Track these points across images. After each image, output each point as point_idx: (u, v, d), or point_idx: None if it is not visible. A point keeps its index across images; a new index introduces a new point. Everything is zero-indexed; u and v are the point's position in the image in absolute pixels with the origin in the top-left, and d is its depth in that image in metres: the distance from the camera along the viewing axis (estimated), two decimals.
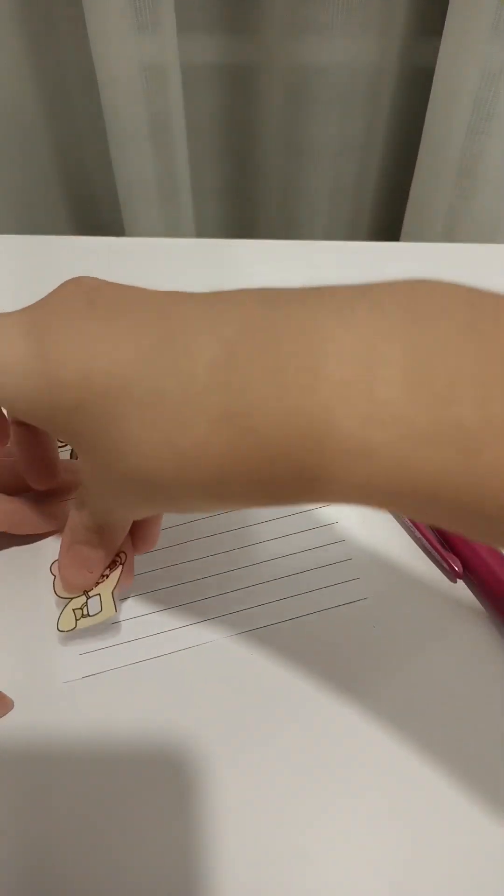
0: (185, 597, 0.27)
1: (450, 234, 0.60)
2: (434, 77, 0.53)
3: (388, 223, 0.73)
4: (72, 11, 0.56)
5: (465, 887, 0.21)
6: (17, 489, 0.27)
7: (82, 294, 0.20)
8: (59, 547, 0.28)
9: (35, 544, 0.29)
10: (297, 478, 0.16)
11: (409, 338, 0.15)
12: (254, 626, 0.26)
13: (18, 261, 0.39)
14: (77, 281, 0.21)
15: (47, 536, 0.29)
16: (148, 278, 0.38)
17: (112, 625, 0.26)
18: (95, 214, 0.77)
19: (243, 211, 0.74)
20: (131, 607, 0.27)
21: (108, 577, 0.26)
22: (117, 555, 0.26)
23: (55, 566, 0.26)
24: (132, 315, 0.18)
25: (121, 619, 0.27)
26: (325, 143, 0.64)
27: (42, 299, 0.21)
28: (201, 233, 0.73)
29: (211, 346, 0.17)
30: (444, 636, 0.26)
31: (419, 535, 0.28)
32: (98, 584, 0.26)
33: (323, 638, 0.26)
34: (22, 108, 0.65)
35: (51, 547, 0.29)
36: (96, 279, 0.21)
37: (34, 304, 0.21)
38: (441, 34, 0.50)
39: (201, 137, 0.66)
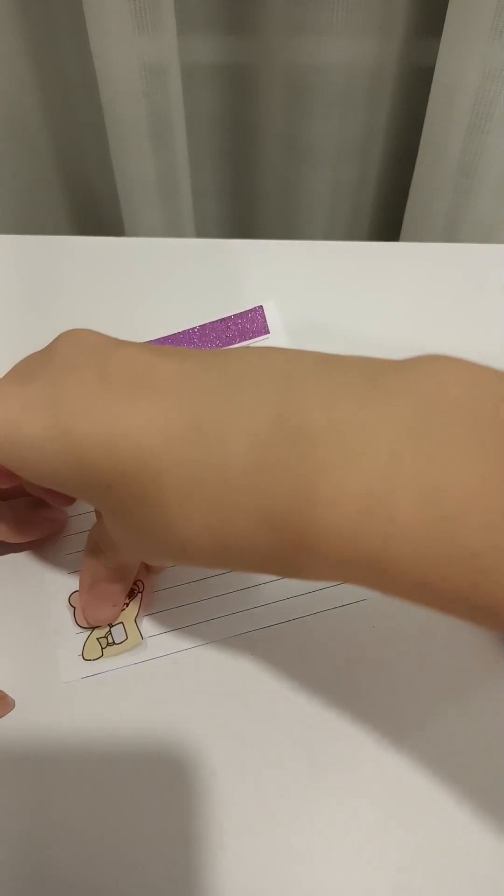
0: (185, 598, 0.27)
1: (449, 234, 0.60)
2: (434, 77, 0.53)
3: (387, 223, 0.73)
4: (72, 12, 0.56)
5: (466, 889, 0.21)
6: (11, 493, 0.27)
7: (91, 360, 0.20)
8: (56, 550, 0.29)
9: (35, 543, 0.29)
10: (319, 571, 0.18)
11: (423, 450, 0.16)
12: (254, 626, 0.26)
13: (18, 261, 0.39)
14: (76, 339, 0.21)
15: (47, 539, 0.29)
16: (148, 278, 0.38)
17: (137, 651, 0.26)
18: (95, 214, 0.77)
19: (243, 211, 0.74)
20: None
21: (128, 605, 0.26)
22: (135, 583, 0.26)
23: (74, 598, 0.27)
24: (153, 394, 0.19)
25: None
26: (324, 143, 0.64)
27: (45, 360, 0.21)
28: (201, 232, 0.73)
29: (241, 443, 0.17)
30: (443, 636, 0.26)
31: None
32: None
33: (323, 638, 0.26)
34: (22, 109, 0.65)
35: (51, 546, 0.29)
36: (95, 335, 0.21)
37: (41, 368, 0.20)
38: (441, 34, 0.50)
39: (201, 137, 0.66)
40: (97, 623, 0.26)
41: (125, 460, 0.18)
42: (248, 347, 0.20)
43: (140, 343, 0.21)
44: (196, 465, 0.17)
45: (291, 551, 0.17)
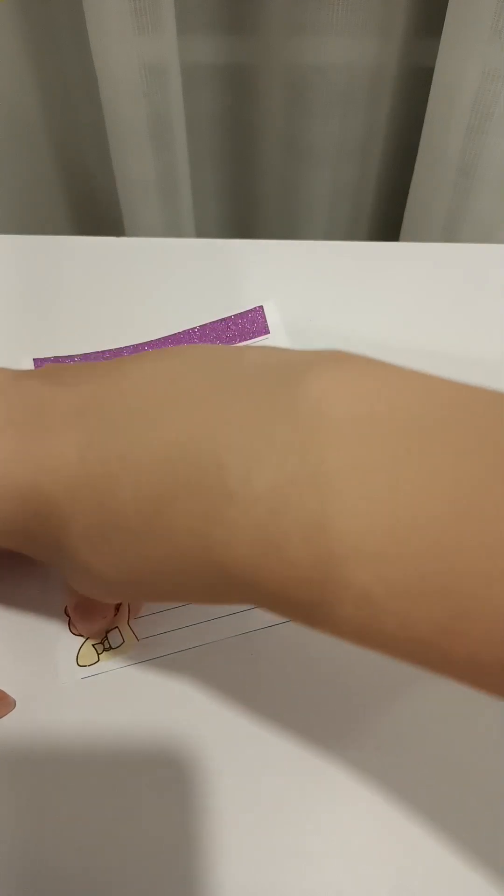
0: None
1: (449, 234, 0.60)
2: (434, 77, 0.53)
3: (387, 223, 0.73)
4: (72, 12, 0.56)
5: (467, 890, 0.21)
6: None
7: None
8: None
9: None
10: (254, 604, 0.17)
11: (308, 482, 0.14)
12: (255, 626, 0.26)
13: (18, 261, 0.39)
14: None
15: None
16: (148, 278, 0.38)
17: (135, 652, 0.26)
18: (96, 214, 0.77)
19: (243, 211, 0.74)
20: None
21: (119, 609, 0.26)
22: None
23: (69, 608, 0.27)
24: (48, 433, 0.18)
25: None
26: (324, 143, 0.64)
27: None
28: (201, 233, 0.73)
29: (132, 484, 0.16)
30: None
31: None
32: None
33: (323, 638, 0.26)
34: (23, 109, 0.65)
35: None
36: None
37: None
38: (441, 34, 0.50)
39: (201, 137, 0.66)
40: (91, 636, 0.26)
41: (29, 510, 0.17)
42: (147, 359, 0.19)
43: (41, 371, 0.20)
44: (96, 511, 0.17)
45: (218, 589, 0.16)
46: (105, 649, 0.26)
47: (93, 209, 0.76)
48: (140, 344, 0.34)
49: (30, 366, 0.33)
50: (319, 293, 0.37)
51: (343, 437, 0.15)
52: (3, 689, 0.25)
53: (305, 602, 0.15)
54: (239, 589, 0.16)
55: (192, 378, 0.17)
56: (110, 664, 0.26)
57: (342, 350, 0.17)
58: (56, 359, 0.34)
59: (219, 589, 0.16)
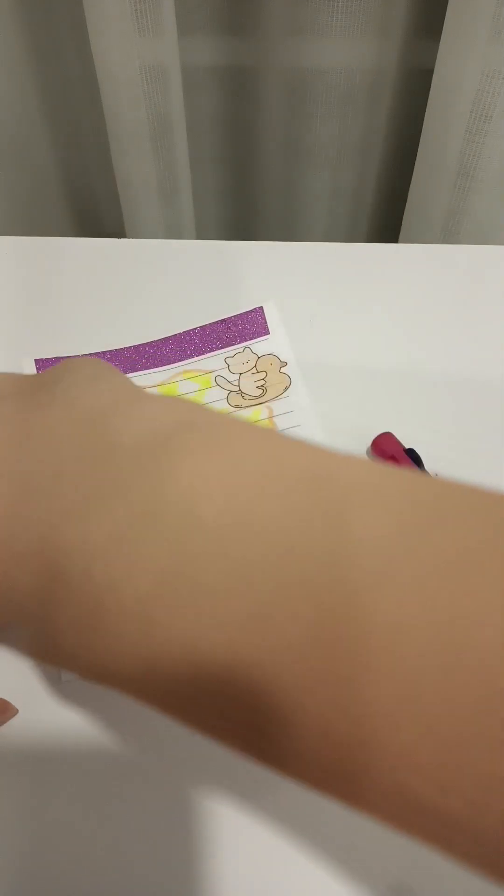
0: None
1: (448, 235, 0.60)
2: (433, 79, 0.53)
3: (387, 224, 0.74)
4: (73, 14, 0.56)
5: (466, 889, 0.22)
6: None
7: None
8: None
9: None
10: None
11: (179, 592, 0.13)
12: None
13: (19, 262, 0.39)
14: None
15: None
16: (149, 280, 0.38)
17: None
18: (96, 216, 0.77)
19: (243, 212, 0.74)
20: None
21: None
22: None
23: None
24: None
25: None
26: (324, 145, 0.64)
27: None
28: (201, 234, 0.73)
29: (19, 579, 0.14)
30: None
31: None
32: None
33: None
34: (23, 111, 0.66)
35: None
36: None
37: None
38: (440, 36, 0.50)
39: (202, 139, 0.66)
40: None
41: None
42: (56, 406, 0.16)
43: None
44: (5, 593, 0.15)
45: (136, 700, 0.15)
46: None
47: (93, 210, 0.76)
48: (141, 345, 0.35)
49: (31, 366, 0.34)
50: (319, 294, 0.37)
51: (215, 543, 0.13)
52: (5, 687, 0.25)
53: (202, 727, 0.13)
54: (149, 705, 0.14)
55: (74, 452, 0.15)
56: None
57: (217, 417, 0.15)
58: (57, 359, 0.34)
59: (136, 700, 0.15)
